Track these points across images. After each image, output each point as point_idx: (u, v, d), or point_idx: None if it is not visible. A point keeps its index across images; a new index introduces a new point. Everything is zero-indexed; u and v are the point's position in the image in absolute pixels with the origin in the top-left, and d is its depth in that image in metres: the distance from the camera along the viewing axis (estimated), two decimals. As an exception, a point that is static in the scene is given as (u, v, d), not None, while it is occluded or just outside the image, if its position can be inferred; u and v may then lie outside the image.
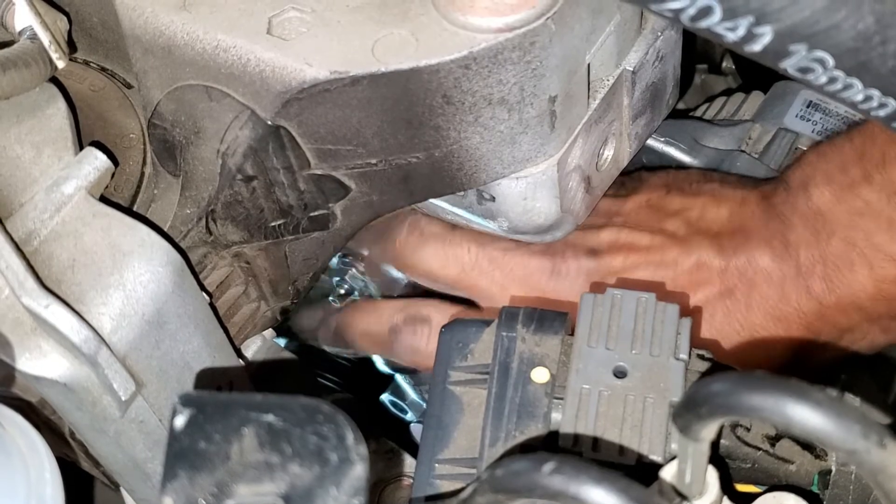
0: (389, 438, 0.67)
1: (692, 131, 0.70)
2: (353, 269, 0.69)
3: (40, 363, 0.46)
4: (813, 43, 0.33)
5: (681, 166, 0.68)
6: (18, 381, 0.48)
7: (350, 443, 0.33)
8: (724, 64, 0.87)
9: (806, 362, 0.58)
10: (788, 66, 0.35)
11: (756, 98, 0.73)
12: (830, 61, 0.34)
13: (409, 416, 0.81)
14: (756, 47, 0.34)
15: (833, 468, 0.45)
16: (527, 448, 0.44)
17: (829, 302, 0.56)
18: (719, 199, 0.60)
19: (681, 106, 0.79)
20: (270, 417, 0.34)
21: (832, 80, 0.35)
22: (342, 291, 0.70)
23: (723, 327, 0.58)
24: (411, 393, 0.79)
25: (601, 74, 0.52)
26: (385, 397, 0.81)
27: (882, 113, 0.36)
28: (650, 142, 0.69)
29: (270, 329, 0.60)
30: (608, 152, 0.56)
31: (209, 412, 0.34)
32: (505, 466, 0.35)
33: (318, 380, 0.80)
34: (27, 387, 0.49)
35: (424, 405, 0.78)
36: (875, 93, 0.35)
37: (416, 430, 0.80)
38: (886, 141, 0.54)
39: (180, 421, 0.34)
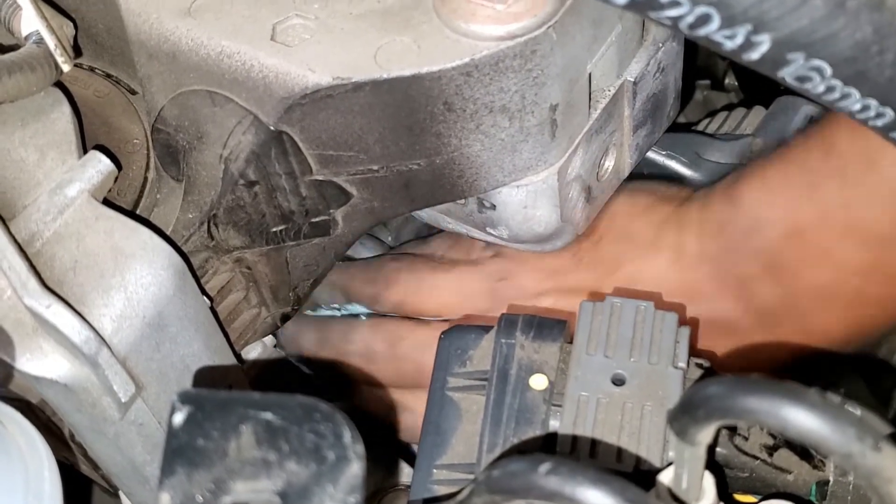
0: (388, 447, 0.67)
1: (694, 145, 0.70)
2: None
3: (41, 363, 0.46)
4: (811, 52, 0.34)
5: (681, 179, 0.69)
6: (19, 382, 0.48)
7: (347, 441, 0.34)
8: (726, 80, 0.87)
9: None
10: (786, 74, 0.35)
11: (758, 113, 0.74)
12: (828, 70, 0.34)
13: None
14: (754, 56, 0.34)
15: (831, 478, 0.45)
16: (524, 452, 0.44)
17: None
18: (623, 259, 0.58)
19: (682, 120, 0.80)
20: (268, 415, 0.34)
21: (830, 90, 0.35)
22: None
23: None
24: None
25: (602, 84, 0.53)
26: None
27: (880, 122, 0.37)
28: (651, 155, 0.69)
29: (271, 335, 0.60)
30: (609, 163, 0.57)
31: (208, 410, 0.34)
32: (502, 467, 0.35)
33: (317, 388, 0.80)
34: (27, 387, 0.49)
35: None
36: (873, 102, 0.36)
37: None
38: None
39: (179, 418, 0.34)
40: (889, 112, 0.36)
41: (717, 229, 0.56)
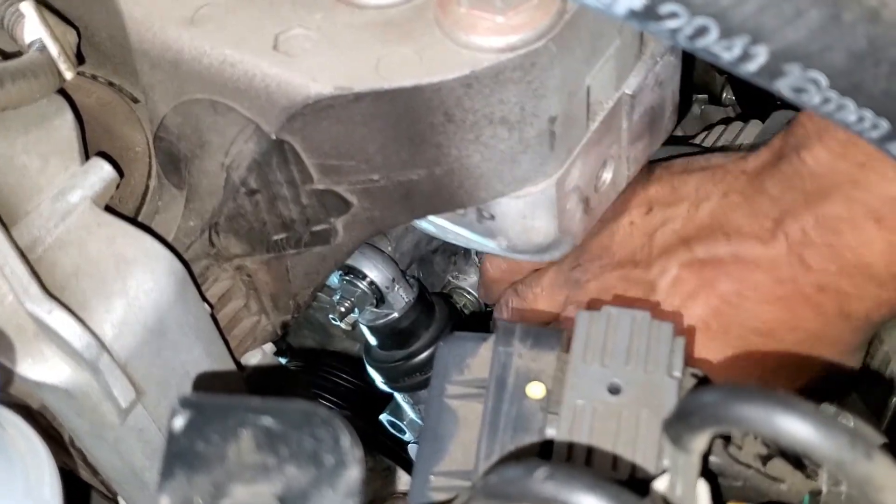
0: (387, 457, 0.67)
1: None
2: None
3: (42, 368, 0.46)
4: (807, 63, 0.34)
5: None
6: (20, 387, 0.48)
7: (345, 446, 0.34)
8: (724, 94, 0.88)
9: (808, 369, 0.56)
10: (783, 85, 0.36)
11: (754, 127, 0.74)
12: (824, 81, 0.35)
13: (408, 437, 0.81)
14: (751, 67, 0.35)
15: (823, 488, 0.45)
16: (521, 459, 0.44)
17: (831, 269, 0.52)
18: (701, 197, 0.57)
19: (680, 133, 0.80)
20: (268, 420, 0.34)
21: (826, 101, 0.36)
22: (343, 309, 0.70)
23: (721, 333, 0.56)
24: (410, 412, 0.80)
25: (601, 97, 0.53)
26: (384, 417, 0.81)
27: (875, 134, 0.37)
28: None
29: (270, 343, 0.60)
30: (607, 174, 0.57)
31: (208, 414, 0.35)
32: (498, 474, 0.35)
33: (318, 399, 0.81)
34: (28, 392, 0.49)
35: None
36: (868, 113, 0.36)
37: (413, 450, 0.80)
38: None
39: (179, 422, 0.35)
40: (884, 123, 0.36)
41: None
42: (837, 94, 0.35)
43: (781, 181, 0.54)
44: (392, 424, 0.82)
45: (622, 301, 0.59)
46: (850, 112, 0.36)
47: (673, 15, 0.33)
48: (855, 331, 0.56)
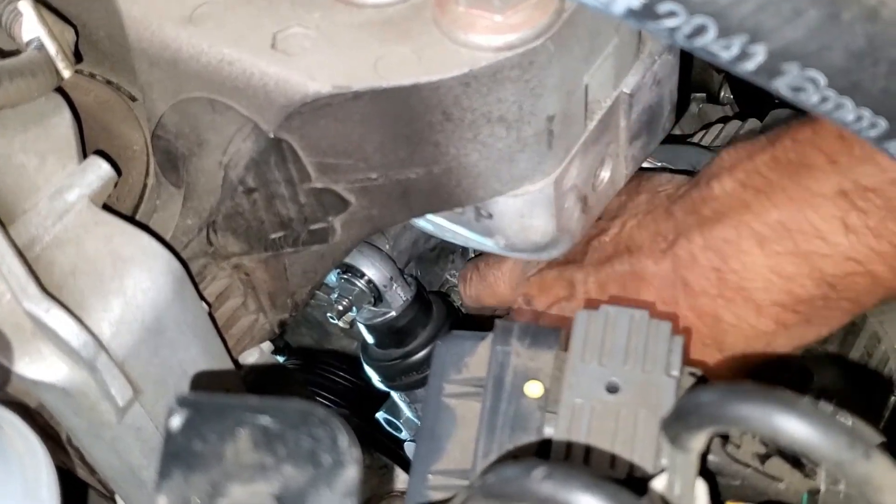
0: (383, 455, 0.67)
1: (689, 157, 0.71)
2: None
3: (39, 367, 0.46)
4: (805, 62, 0.34)
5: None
6: (17, 386, 0.48)
7: (343, 445, 0.34)
8: (722, 93, 0.88)
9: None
10: (781, 84, 0.36)
11: (752, 125, 0.74)
12: (822, 80, 0.35)
13: (404, 434, 0.81)
14: (750, 66, 0.35)
15: (822, 487, 0.45)
16: (519, 458, 0.44)
17: (712, 293, 0.54)
18: (632, 215, 0.60)
19: (678, 132, 0.80)
20: (265, 419, 0.34)
21: (824, 100, 0.36)
22: (340, 308, 0.70)
23: None
24: (406, 411, 0.80)
25: (599, 96, 0.53)
26: (380, 415, 0.81)
27: (873, 133, 0.37)
28: (647, 166, 0.69)
29: (268, 342, 0.60)
30: (605, 173, 0.57)
31: (205, 413, 0.35)
32: (496, 473, 0.35)
33: (315, 397, 0.81)
34: (26, 391, 0.49)
35: (418, 422, 0.79)
36: (866, 112, 0.36)
37: (410, 448, 0.80)
38: (798, 126, 0.53)
39: (176, 421, 0.35)
40: (882, 122, 0.36)
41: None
42: (836, 93, 0.35)
43: (686, 205, 0.56)
44: (388, 422, 0.82)
45: (552, 297, 0.61)
46: (849, 111, 0.36)
47: (671, 14, 0.33)
48: (727, 366, 0.56)
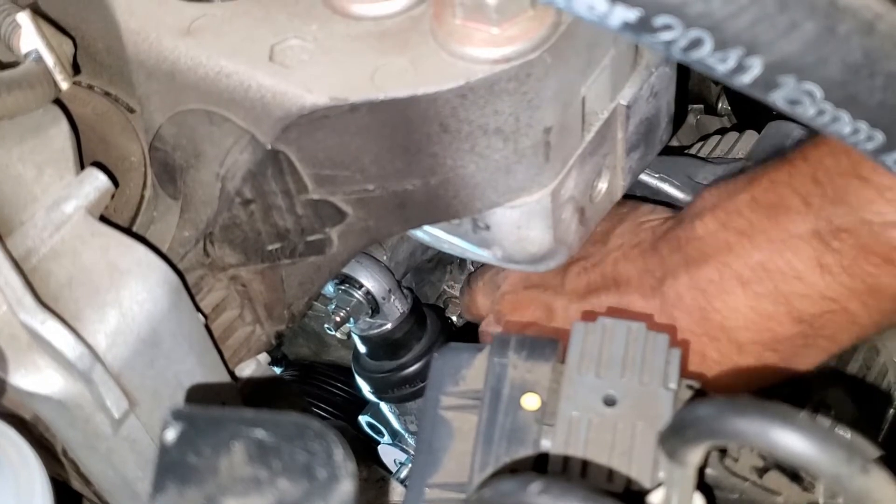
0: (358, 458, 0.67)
1: (686, 168, 0.71)
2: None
3: (35, 379, 0.46)
4: (802, 75, 0.34)
5: (674, 203, 0.69)
6: (12, 397, 0.48)
7: (338, 459, 0.34)
8: (719, 104, 0.88)
9: None
10: (777, 97, 0.36)
11: (750, 137, 0.74)
12: (819, 93, 0.35)
13: (386, 439, 0.81)
14: (746, 79, 0.35)
15: (820, 501, 0.45)
16: (516, 471, 0.44)
17: (697, 332, 0.55)
18: (615, 246, 0.61)
19: (675, 143, 0.80)
20: (260, 433, 0.34)
21: (820, 113, 0.36)
22: (338, 319, 0.70)
23: None
24: (394, 422, 0.80)
25: (596, 108, 0.53)
26: (363, 419, 0.81)
27: (870, 146, 0.37)
28: (645, 177, 0.69)
29: (265, 353, 0.60)
30: (602, 185, 0.57)
31: (200, 426, 0.35)
32: (493, 487, 0.35)
33: (312, 408, 0.80)
34: (21, 403, 0.49)
35: (405, 434, 0.79)
36: (863, 125, 0.36)
37: (383, 450, 0.80)
38: (775, 167, 0.55)
39: (171, 434, 0.35)
40: (879, 135, 0.36)
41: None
42: (832, 106, 0.35)
43: (672, 244, 0.58)
44: (371, 426, 0.82)
45: (526, 319, 0.63)
46: (845, 124, 0.36)
47: (667, 27, 0.33)
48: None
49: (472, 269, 0.75)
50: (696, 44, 0.34)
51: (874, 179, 0.49)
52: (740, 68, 0.34)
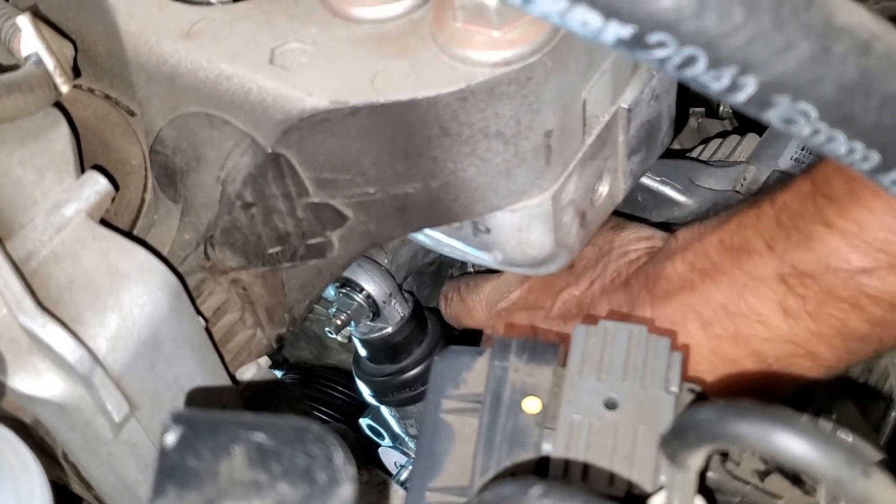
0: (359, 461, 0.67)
1: (688, 171, 0.71)
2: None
3: (35, 382, 0.46)
4: (797, 94, 0.34)
5: (675, 205, 0.69)
6: (12, 401, 0.48)
7: (338, 463, 0.34)
8: (721, 108, 0.88)
9: None
10: (772, 116, 0.35)
11: (752, 140, 0.74)
12: (814, 113, 0.34)
13: (386, 442, 0.81)
14: (740, 97, 0.34)
15: (822, 504, 0.45)
16: (517, 475, 0.44)
17: None
18: (598, 274, 0.62)
19: (677, 146, 0.80)
20: (260, 436, 0.34)
21: (816, 132, 0.35)
22: (339, 322, 0.70)
23: None
24: (395, 426, 0.80)
25: (597, 111, 0.53)
26: (364, 421, 0.81)
27: (866, 166, 0.37)
28: (646, 180, 0.69)
29: (265, 357, 0.60)
30: (603, 188, 0.57)
31: (200, 430, 0.35)
32: (493, 490, 0.35)
33: (313, 411, 0.80)
34: (21, 407, 0.49)
35: (406, 437, 0.79)
36: (859, 146, 0.36)
37: (384, 453, 0.80)
38: (744, 210, 0.55)
39: (171, 438, 0.35)
40: (875, 155, 0.36)
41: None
42: (827, 125, 0.35)
43: (641, 281, 0.59)
44: (371, 429, 0.82)
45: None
46: (841, 144, 0.35)
47: (661, 44, 0.33)
48: None
49: (473, 271, 0.75)
50: (689, 61, 0.33)
51: (839, 225, 0.49)
52: (734, 87, 0.34)
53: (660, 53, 0.33)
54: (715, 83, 0.34)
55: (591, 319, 0.54)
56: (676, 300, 0.56)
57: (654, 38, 0.32)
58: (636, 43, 0.33)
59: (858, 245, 0.49)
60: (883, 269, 0.49)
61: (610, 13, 0.32)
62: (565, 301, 0.63)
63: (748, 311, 0.53)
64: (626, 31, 0.32)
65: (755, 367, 0.54)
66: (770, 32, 0.32)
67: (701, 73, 0.33)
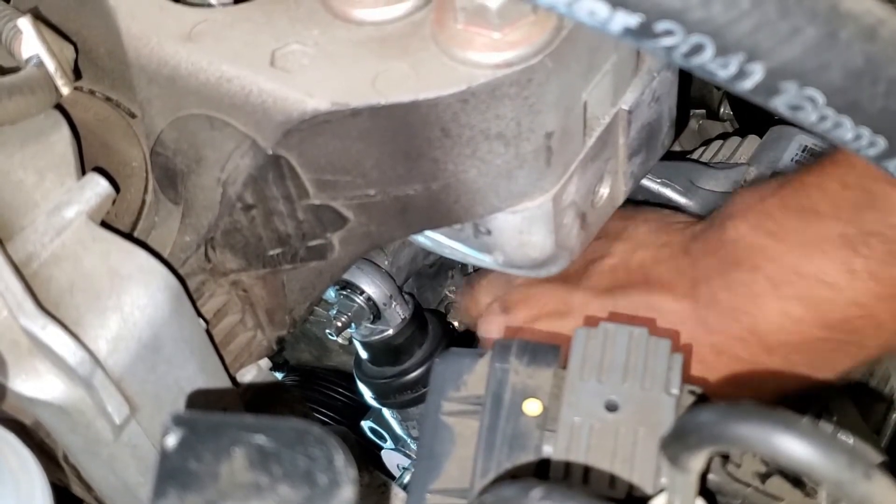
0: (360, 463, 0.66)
1: (688, 173, 0.71)
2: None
3: (36, 384, 0.46)
4: (804, 80, 0.34)
5: (676, 207, 0.69)
6: (13, 403, 0.48)
7: (339, 465, 0.34)
8: (721, 109, 0.88)
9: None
10: (779, 103, 0.35)
11: (752, 142, 0.74)
12: (821, 99, 0.35)
13: (388, 445, 0.81)
14: (747, 84, 0.35)
15: (823, 506, 0.45)
16: (517, 477, 0.44)
17: (730, 332, 0.56)
18: (640, 243, 0.61)
19: (678, 148, 0.80)
20: (261, 438, 0.34)
21: (823, 119, 0.36)
22: (339, 324, 0.70)
23: None
24: (397, 428, 0.79)
25: (598, 113, 0.53)
26: (365, 423, 0.81)
27: (872, 152, 0.37)
28: (647, 182, 0.69)
29: (266, 359, 0.60)
30: (604, 190, 0.57)
31: (201, 432, 0.35)
32: (494, 493, 0.35)
33: (313, 413, 0.80)
34: (22, 408, 0.49)
35: (408, 439, 0.79)
36: (865, 131, 0.36)
37: (387, 456, 0.80)
38: (807, 170, 0.55)
39: (172, 440, 0.35)
40: (881, 141, 0.36)
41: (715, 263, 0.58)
42: (834, 111, 0.35)
43: (704, 246, 0.58)
44: (373, 431, 0.82)
45: (538, 311, 0.62)
46: (847, 130, 0.36)
47: (668, 33, 0.33)
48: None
49: (472, 272, 0.75)
50: (697, 49, 0.33)
51: None
52: (742, 74, 0.34)
53: (667, 42, 0.33)
54: (722, 71, 0.34)
55: (591, 321, 0.54)
56: (744, 263, 0.55)
57: (661, 26, 0.32)
58: (643, 32, 0.33)
59: None
60: None
61: (617, 2, 0.32)
62: (599, 272, 0.61)
63: (817, 272, 0.53)
64: (633, 19, 0.32)
65: (821, 330, 0.53)
66: (776, 19, 0.32)
67: (708, 61, 0.33)
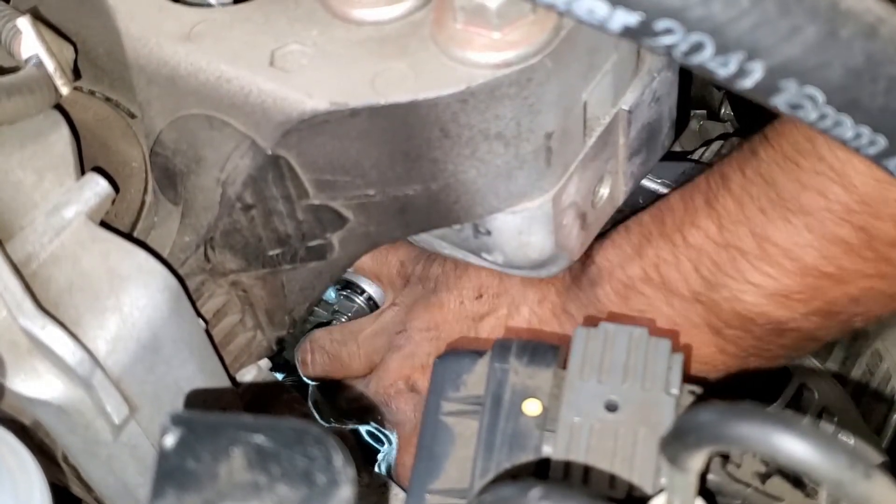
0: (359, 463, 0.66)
1: (689, 173, 0.71)
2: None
3: (35, 384, 0.46)
4: (804, 79, 0.34)
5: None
6: (12, 403, 0.48)
7: (338, 465, 0.34)
8: (722, 109, 0.88)
9: None
10: (779, 102, 0.35)
11: (752, 142, 0.74)
12: (821, 98, 0.35)
13: (386, 447, 0.80)
14: (747, 83, 0.35)
15: (823, 506, 0.45)
16: (517, 477, 0.44)
17: None
18: (520, 300, 0.62)
19: (678, 149, 0.80)
20: (260, 438, 0.34)
21: (823, 117, 0.36)
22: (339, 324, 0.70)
23: None
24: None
25: (598, 113, 0.53)
26: (363, 428, 0.81)
27: (872, 150, 0.37)
28: (647, 182, 0.69)
29: (266, 359, 0.60)
30: (604, 190, 0.57)
31: (199, 432, 0.35)
32: (493, 493, 0.35)
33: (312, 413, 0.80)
34: (21, 408, 0.49)
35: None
36: (865, 130, 0.36)
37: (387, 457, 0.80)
38: (657, 239, 0.56)
39: (170, 440, 0.34)
40: (881, 140, 0.36)
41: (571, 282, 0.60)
42: (834, 110, 0.35)
43: (580, 307, 0.60)
44: (370, 435, 0.81)
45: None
46: (848, 128, 0.36)
47: (668, 31, 0.33)
48: None
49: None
50: (697, 48, 0.33)
51: (753, 278, 0.52)
52: (742, 73, 0.34)
53: (667, 40, 0.33)
54: (722, 69, 0.34)
55: (591, 321, 0.54)
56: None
57: (660, 24, 0.32)
58: (643, 30, 0.33)
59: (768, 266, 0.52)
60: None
61: (617, 0, 0.32)
62: (494, 329, 0.62)
63: (689, 350, 0.55)
64: (633, 18, 0.32)
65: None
66: (776, 17, 0.32)
67: (708, 60, 0.33)
